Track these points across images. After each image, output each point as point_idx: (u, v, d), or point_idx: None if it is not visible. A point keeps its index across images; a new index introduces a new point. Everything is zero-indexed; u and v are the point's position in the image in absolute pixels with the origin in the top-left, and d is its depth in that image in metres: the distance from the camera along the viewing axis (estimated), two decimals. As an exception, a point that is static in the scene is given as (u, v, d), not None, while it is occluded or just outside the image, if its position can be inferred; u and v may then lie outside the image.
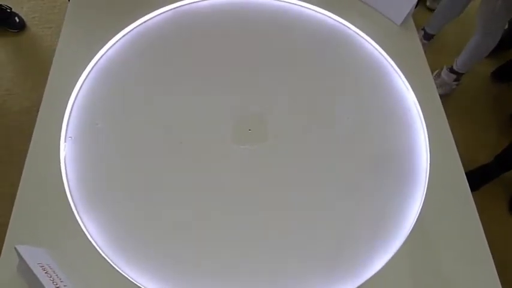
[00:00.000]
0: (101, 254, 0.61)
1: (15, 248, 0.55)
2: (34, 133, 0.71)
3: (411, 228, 0.67)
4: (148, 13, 0.85)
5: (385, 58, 0.85)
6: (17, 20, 1.77)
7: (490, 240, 0.67)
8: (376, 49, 0.86)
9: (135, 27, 0.84)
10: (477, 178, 1.52)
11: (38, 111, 0.73)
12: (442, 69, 1.77)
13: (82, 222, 0.64)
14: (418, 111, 0.79)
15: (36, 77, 1.66)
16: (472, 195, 0.71)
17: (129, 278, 0.60)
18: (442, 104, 0.81)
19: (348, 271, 0.64)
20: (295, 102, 0.79)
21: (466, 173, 0.73)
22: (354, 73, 0.84)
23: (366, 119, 0.79)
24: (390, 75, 0.84)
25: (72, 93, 0.75)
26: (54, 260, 0.59)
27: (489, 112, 1.78)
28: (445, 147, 0.76)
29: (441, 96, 0.82)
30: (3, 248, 0.60)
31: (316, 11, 0.90)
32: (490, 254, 0.66)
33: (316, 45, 0.87)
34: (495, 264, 0.65)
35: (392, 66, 0.84)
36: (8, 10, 1.76)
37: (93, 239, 0.62)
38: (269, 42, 0.86)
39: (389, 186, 0.72)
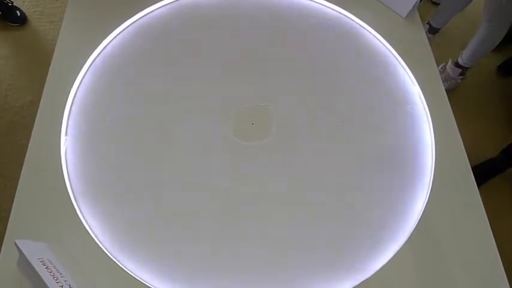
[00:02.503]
0: (101, 249, 0.61)
1: (15, 243, 0.55)
2: (34, 127, 0.70)
3: (416, 223, 0.66)
4: (150, 5, 0.84)
5: (389, 51, 0.84)
6: (19, 14, 1.76)
7: (497, 235, 0.66)
8: (380, 42, 0.85)
9: (136, 20, 0.83)
10: (483, 173, 1.50)
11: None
12: (447, 63, 1.75)
13: (82, 216, 0.63)
14: (424, 105, 0.78)
15: (38, 71, 1.65)
16: (478, 190, 0.70)
17: (129, 272, 0.59)
18: (447, 99, 0.80)
19: (351, 267, 0.63)
20: (298, 96, 0.78)
21: (471, 168, 0.72)
22: (358, 66, 0.83)
23: (370, 113, 0.78)
24: (395, 68, 0.82)
25: (73, 87, 0.74)
26: (54, 254, 0.59)
27: (495, 106, 1.77)
28: (450, 141, 0.75)
29: (446, 90, 0.81)
30: (4, 242, 0.60)
31: (319, 3, 0.88)
32: (496, 249, 0.66)
33: (320, 37, 0.86)
34: (502, 260, 0.65)
35: (397, 59, 0.83)
36: (10, 4, 1.75)
37: (93, 234, 0.62)
38: (272, 34, 0.85)
39: (394, 181, 0.71)
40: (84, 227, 0.62)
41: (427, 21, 1.82)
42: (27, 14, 1.81)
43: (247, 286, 0.61)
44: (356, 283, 0.61)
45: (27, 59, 1.72)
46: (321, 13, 0.88)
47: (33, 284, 0.55)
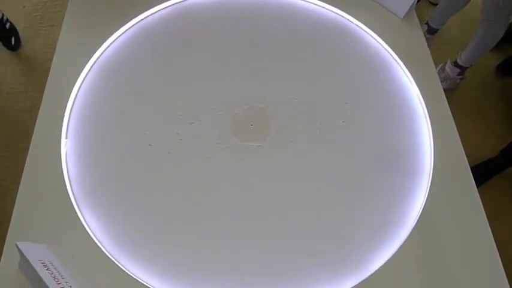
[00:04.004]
0: (102, 250, 0.61)
1: (16, 245, 0.55)
2: (35, 130, 0.71)
3: (415, 224, 0.66)
4: (149, 9, 0.85)
5: (387, 51, 0.84)
6: (13, 42, 1.70)
7: (496, 235, 0.66)
8: (378, 42, 0.85)
9: (135, 23, 0.84)
10: (482, 172, 1.50)
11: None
12: (446, 63, 1.76)
13: (83, 218, 0.63)
14: (422, 105, 0.78)
15: (39, 75, 1.67)
16: (478, 190, 0.71)
17: (129, 274, 0.60)
18: (446, 99, 0.80)
19: (351, 266, 0.63)
20: (297, 97, 0.78)
21: (471, 168, 0.73)
22: (357, 67, 0.83)
23: (368, 114, 0.78)
24: (393, 68, 0.83)
25: (73, 90, 0.75)
26: (55, 256, 0.59)
27: (494, 106, 1.77)
28: (449, 141, 0.75)
29: (445, 90, 0.81)
30: (5, 244, 0.60)
31: (317, 5, 0.89)
32: (496, 249, 0.66)
33: (319, 39, 0.86)
34: (502, 260, 0.65)
35: (395, 60, 0.83)
36: (7, 26, 1.69)
37: (94, 235, 0.62)
38: (270, 36, 0.85)
39: (393, 181, 0.71)
40: (85, 228, 0.63)
41: (425, 22, 1.83)
42: (27, 18, 1.81)
43: (248, 286, 0.62)
44: (356, 282, 0.61)
45: (28, 64, 1.72)
46: (318, 14, 0.88)
47: (34, 285, 0.55)
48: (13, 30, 1.74)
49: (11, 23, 1.73)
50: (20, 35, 1.75)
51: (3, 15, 1.69)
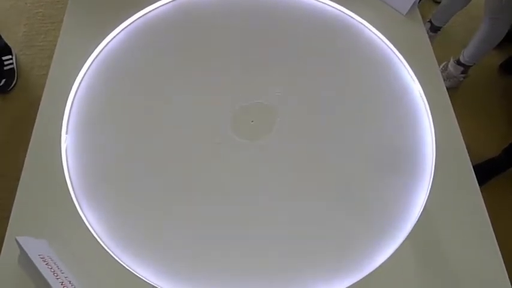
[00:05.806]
0: (101, 245, 0.61)
1: (16, 240, 0.55)
2: (35, 125, 0.71)
3: (416, 222, 0.66)
4: (150, 5, 0.85)
5: (390, 48, 0.84)
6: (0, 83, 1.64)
7: (498, 235, 0.66)
8: (381, 39, 0.85)
9: (135, 20, 0.84)
10: (485, 172, 1.49)
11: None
12: (449, 61, 1.75)
13: (83, 213, 0.63)
14: (424, 103, 0.77)
15: (40, 71, 1.67)
16: (480, 189, 0.70)
17: (128, 268, 0.60)
18: (449, 97, 0.79)
19: (352, 265, 0.63)
20: (299, 93, 0.78)
21: (473, 167, 0.72)
22: (359, 64, 0.83)
23: (370, 111, 0.78)
24: (395, 65, 0.82)
25: (74, 85, 0.74)
26: (55, 251, 0.59)
27: (497, 105, 1.76)
28: (451, 139, 0.75)
29: (448, 89, 0.81)
30: (5, 239, 0.60)
31: (319, 1, 0.88)
32: (498, 249, 0.65)
33: (320, 35, 0.86)
34: (503, 258, 0.64)
35: (397, 57, 0.83)
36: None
37: (94, 231, 0.62)
38: (272, 33, 0.85)
39: (395, 180, 0.71)
40: (85, 224, 0.62)
41: (428, 20, 1.82)
42: (29, 15, 1.80)
43: (249, 285, 0.62)
44: (355, 281, 0.61)
45: (30, 60, 1.72)
46: (321, 11, 0.88)
47: (34, 280, 0.55)
48: (9, 72, 1.66)
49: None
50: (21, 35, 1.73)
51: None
